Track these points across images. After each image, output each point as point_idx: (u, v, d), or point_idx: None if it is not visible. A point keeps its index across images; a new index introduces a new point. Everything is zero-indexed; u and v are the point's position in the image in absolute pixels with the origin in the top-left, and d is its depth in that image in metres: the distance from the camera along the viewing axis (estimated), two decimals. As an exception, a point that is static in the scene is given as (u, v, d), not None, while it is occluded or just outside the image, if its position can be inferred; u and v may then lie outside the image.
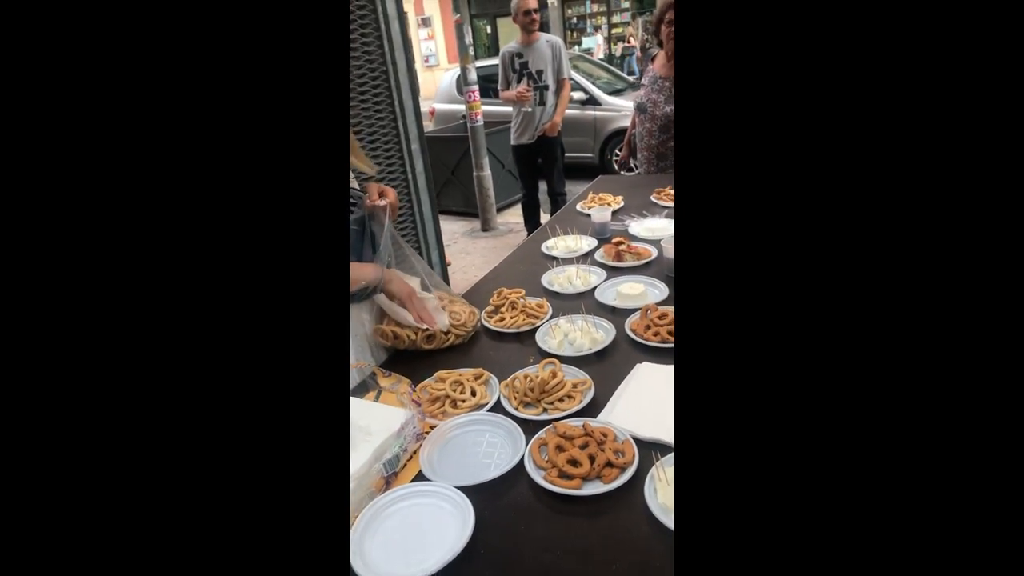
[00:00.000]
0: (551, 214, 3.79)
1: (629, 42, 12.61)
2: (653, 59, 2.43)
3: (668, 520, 0.68)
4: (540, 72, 3.51)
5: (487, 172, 4.46)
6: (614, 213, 1.72)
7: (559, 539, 0.70)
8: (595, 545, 0.68)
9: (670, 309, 1.11)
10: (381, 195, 1.15)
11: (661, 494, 0.71)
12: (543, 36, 3.53)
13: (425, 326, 1.09)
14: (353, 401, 0.93)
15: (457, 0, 5.71)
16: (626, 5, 13.46)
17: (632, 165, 2.48)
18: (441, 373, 1.02)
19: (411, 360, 1.11)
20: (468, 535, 0.69)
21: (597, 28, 13.70)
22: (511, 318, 1.19)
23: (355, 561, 0.68)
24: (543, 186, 3.75)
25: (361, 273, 1.05)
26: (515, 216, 4.54)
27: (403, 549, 0.70)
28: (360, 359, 1.08)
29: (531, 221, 3.84)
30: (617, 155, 2.90)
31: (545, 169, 3.66)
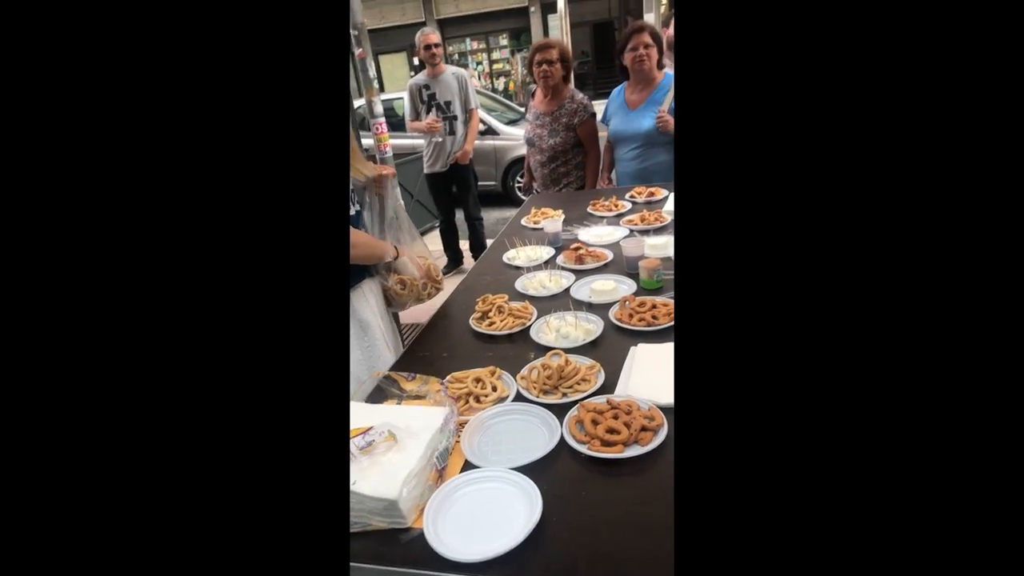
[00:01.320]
0: (469, 239, 3.89)
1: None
2: (533, 95, 2.58)
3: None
4: (448, 103, 3.62)
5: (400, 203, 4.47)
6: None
7: (617, 498, 0.77)
8: (650, 495, 0.76)
9: (646, 298, 1.23)
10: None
11: (697, 444, 0.81)
12: (449, 68, 3.65)
13: (425, 280, 1.36)
14: (381, 408, 0.94)
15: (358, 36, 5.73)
16: (504, 43, 14.14)
17: (535, 190, 2.65)
18: (456, 374, 1.05)
19: (420, 365, 1.13)
20: (540, 507, 0.73)
21: (479, 64, 14.23)
22: (501, 321, 1.25)
23: (439, 548, 0.70)
24: (459, 213, 3.84)
25: (383, 249, 1.29)
26: (432, 243, 4.58)
27: (481, 529, 0.73)
28: (375, 365, 1.13)
29: (451, 247, 3.91)
30: (519, 182, 3.08)
31: (460, 196, 3.76)
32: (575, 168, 2.53)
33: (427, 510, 0.76)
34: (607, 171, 2.51)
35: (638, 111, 2.22)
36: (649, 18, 13.92)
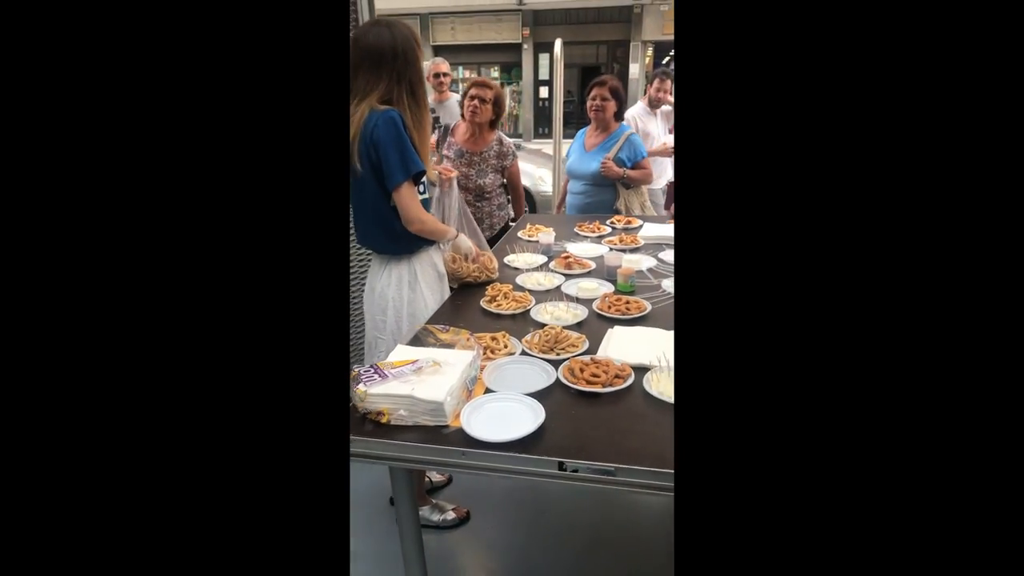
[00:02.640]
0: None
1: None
2: (453, 130, 2.63)
3: (659, 396, 1.11)
4: (448, 126, 3.98)
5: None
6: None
7: (597, 417, 1.09)
8: (620, 417, 1.09)
9: (620, 296, 1.58)
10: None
11: (653, 386, 1.14)
12: (453, 95, 4.02)
13: (476, 265, 1.76)
14: (423, 349, 1.26)
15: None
16: (495, 75, 14.70)
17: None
18: (477, 334, 1.37)
19: (451, 323, 1.45)
20: (543, 415, 1.05)
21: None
22: (507, 304, 1.58)
23: (473, 433, 1.01)
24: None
25: (445, 229, 1.66)
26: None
27: (500, 425, 1.04)
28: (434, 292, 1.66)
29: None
30: None
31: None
32: (497, 209, 2.61)
33: (463, 413, 1.06)
34: (562, 200, 2.87)
35: (591, 153, 2.64)
36: (634, 68, 14.52)
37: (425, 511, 1.89)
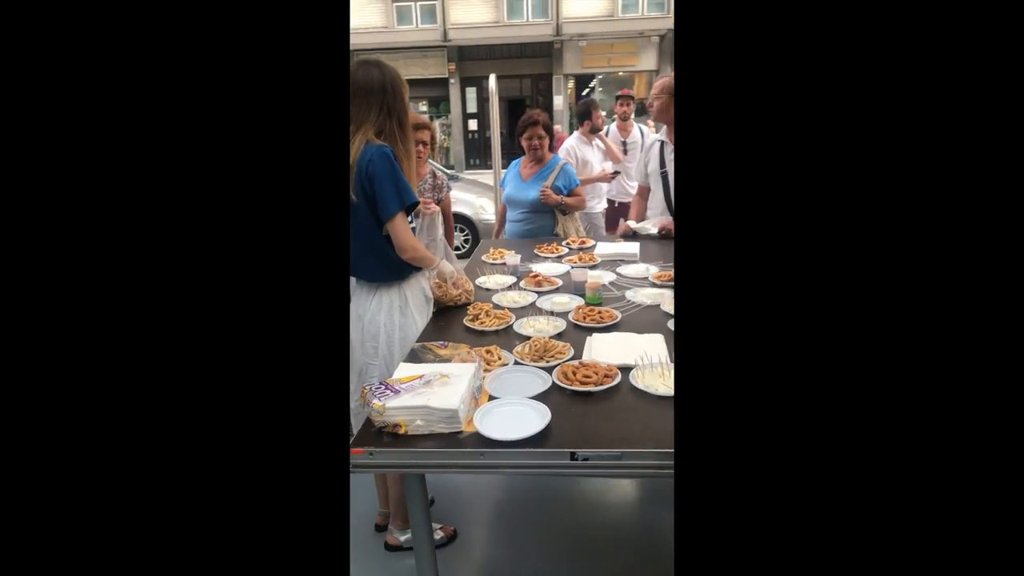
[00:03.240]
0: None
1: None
2: None
3: (645, 389, 1.25)
4: None
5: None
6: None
7: (594, 413, 1.21)
8: (615, 410, 1.22)
9: (591, 307, 1.72)
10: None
11: (639, 381, 1.28)
12: None
13: (459, 291, 1.85)
14: (425, 365, 1.34)
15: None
16: (424, 109, 14.94)
17: None
18: (467, 348, 1.47)
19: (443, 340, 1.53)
20: (549, 414, 1.16)
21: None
22: (490, 321, 1.69)
23: (488, 434, 1.10)
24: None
25: (430, 256, 1.73)
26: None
27: (512, 426, 1.14)
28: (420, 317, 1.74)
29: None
30: None
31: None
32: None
33: (476, 417, 1.16)
34: (500, 227, 3.03)
35: (528, 183, 2.84)
36: (558, 100, 15.10)
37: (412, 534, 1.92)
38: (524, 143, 2.83)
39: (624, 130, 4.04)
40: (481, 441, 1.11)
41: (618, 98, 4.15)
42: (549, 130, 2.83)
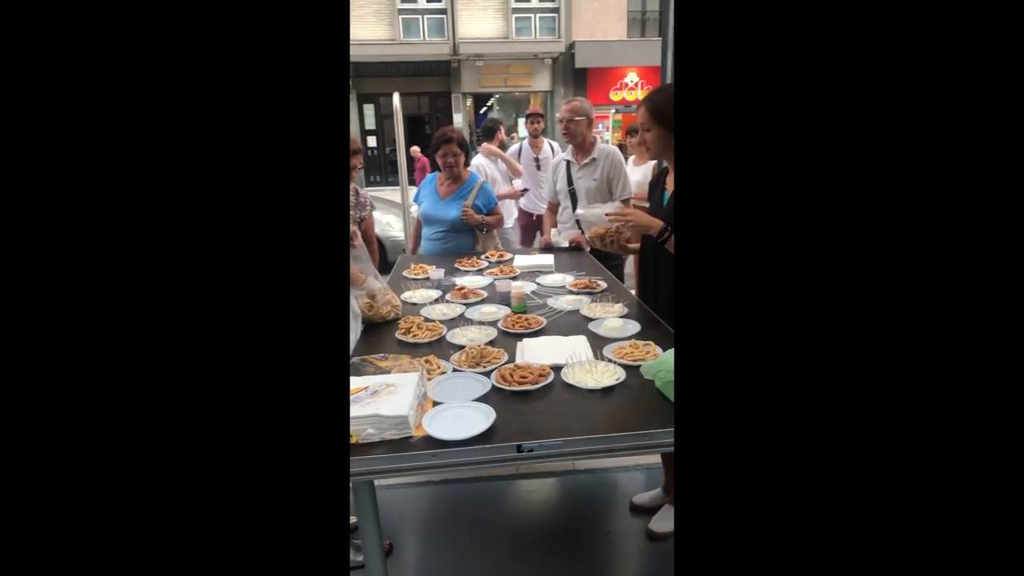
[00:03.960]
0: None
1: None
2: None
3: (577, 385, 1.38)
4: None
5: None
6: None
7: (533, 409, 1.32)
8: (551, 405, 1.33)
9: (518, 315, 1.84)
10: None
11: (571, 378, 1.41)
12: None
13: (389, 307, 1.90)
14: (368, 377, 1.38)
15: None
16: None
17: None
18: (408, 358, 1.52)
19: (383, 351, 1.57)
20: (493, 413, 1.25)
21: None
22: (422, 333, 1.75)
23: (437, 435, 1.17)
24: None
25: (355, 274, 1.83)
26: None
27: (460, 427, 1.21)
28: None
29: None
30: None
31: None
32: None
33: (425, 421, 1.22)
34: (415, 244, 3.08)
35: (447, 201, 2.88)
36: (458, 118, 15.24)
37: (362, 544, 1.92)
38: (439, 160, 2.85)
39: (536, 147, 4.25)
40: (432, 443, 1.18)
41: (528, 116, 4.34)
42: (464, 147, 2.87)
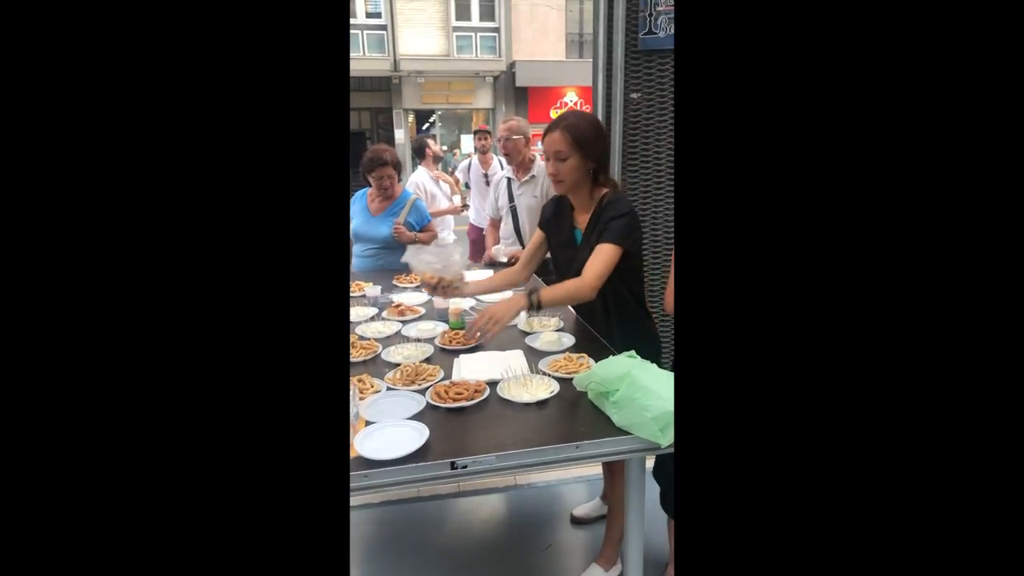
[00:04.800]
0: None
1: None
2: None
3: (512, 399, 1.39)
4: None
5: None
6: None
7: (468, 425, 1.32)
8: (485, 420, 1.33)
9: (456, 331, 1.84)
10: None
11: (506, 392, 1.42)
12: None
13: None
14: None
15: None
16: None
17: None
18: (341, 379, 1.49)
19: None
20: (427, 431, 1.23)
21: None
22: (356, 352, 1.72)
23: (367, 452, 1.15)
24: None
25: None
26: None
27: (393, 445, 1.19)
28: None
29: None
30: None
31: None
32: None
33: (356, 441, 1.19)
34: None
35: (379, 218, 2.84)
36: (399, 134, 15.15)
37: None
38: (374, 182, 2.81)
39: (485, 163, 4.29)
40: (364, 464, 1.16)
41: (476, 133, 4.38)
42: (398, 167, 2.83)
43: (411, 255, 1.83)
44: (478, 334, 1.62)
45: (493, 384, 1.48)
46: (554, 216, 1.86)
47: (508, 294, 2.05)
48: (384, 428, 1.28)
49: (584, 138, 1.61)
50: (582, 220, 1.75)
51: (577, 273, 1.64)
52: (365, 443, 1.21)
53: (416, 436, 1.23)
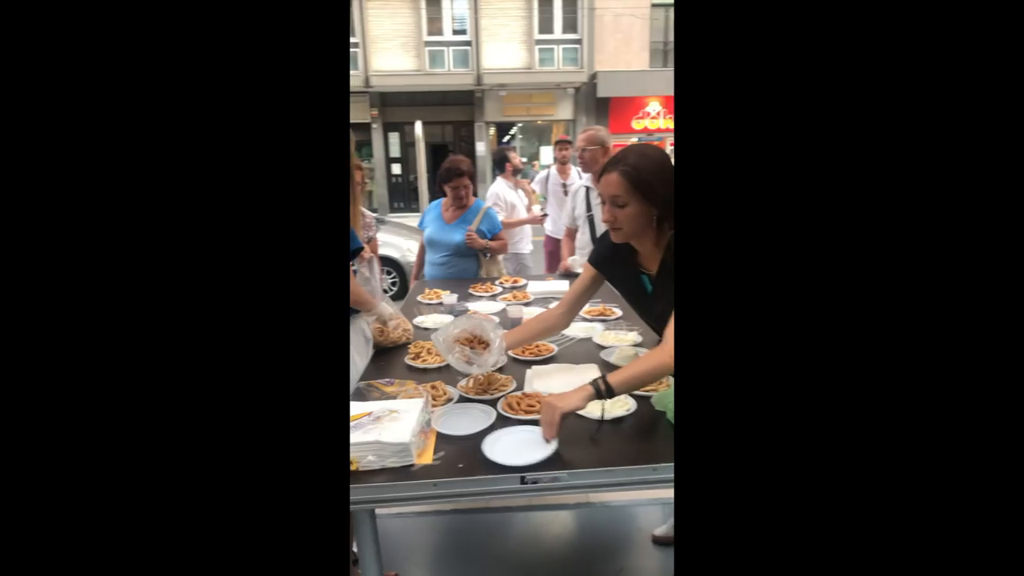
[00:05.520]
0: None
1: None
2: None
3: (585, 414, 1.33)
4: None
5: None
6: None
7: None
8: (560, 436, 1.29)
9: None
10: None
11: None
12: None
13: (400, 332, 1.90)
14: (372, 402, 1.36)
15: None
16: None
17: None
18: (414, 384, 1.50)
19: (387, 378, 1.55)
20: (554, 446, 1.19)
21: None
22: (431, 358, 1.73)
23: (493, 455, 1.15)
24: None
25: (368, 298, 1.80)
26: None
27: (521, 451, 1.18)
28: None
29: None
30: None
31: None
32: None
33: (486, 445, 1.19)
34: (419, 268, 3.09)
35: (452, 226, 2.90)
36: (480, 146, 15.53)
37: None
38: (450, 192, 2.88)
39: (564, 173, 4.28)
40: (489, 467, 1.15)
41: (557, 143, 4.39)
42: (473, 178, 2.90)
43: (439, 334, 1.52)
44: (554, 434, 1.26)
45: (566, 398, 1.43)
46: (613, 256, 1.50)
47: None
48: (516, 432, 1.26)
49: (646, 183, 1.28)
50: (650, 264, 1.43)
51: (656, 323, 1.43)
52: (495, 447, 1.20)
53: (545, 445, 1.20)
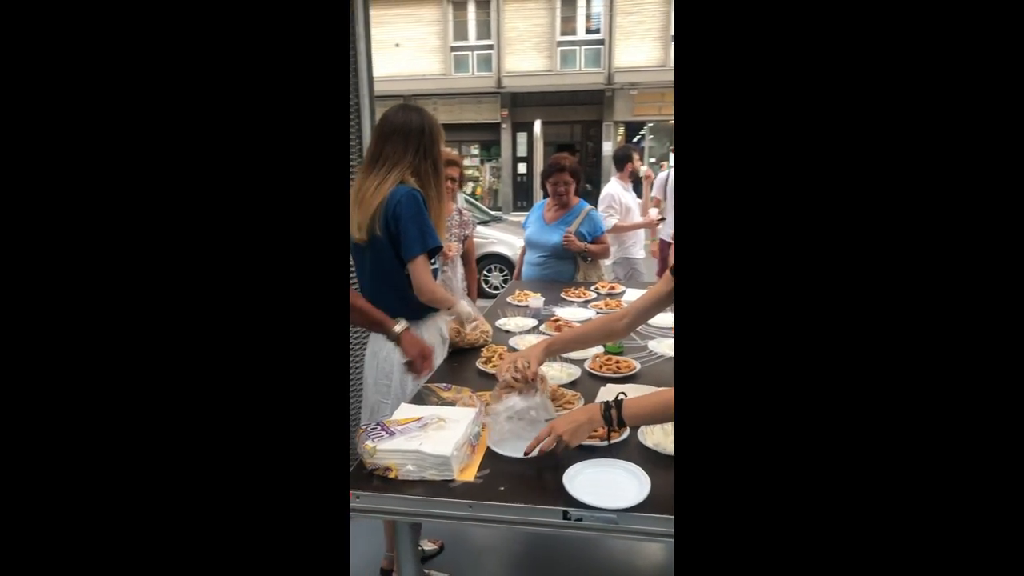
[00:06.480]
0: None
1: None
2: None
3: (654, 448, 1.17)
4: None
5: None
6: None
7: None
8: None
9: (610, 356, 1.66)
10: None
11: (648, 439, 1.21)
12: None
13: (478, 333, 1.84)
14: (427, 407, 1.31)
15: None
16: (475, 152, 15.37)
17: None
18: (477, 393, 1.43)
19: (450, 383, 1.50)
20: (649, 486, 1.04)
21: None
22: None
23: (574, 490, 1.04)
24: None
25: (448, 297, 1.74)
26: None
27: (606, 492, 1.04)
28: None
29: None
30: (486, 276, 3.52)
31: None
32: (453, 275, 2.50)
33: (567, 479, 1.07)
34: (519, 270, 2.99)
35: (552, 226, 2.77)
36: (607, 146, 15.28)
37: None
38: (550, 188, 2.78)
39: None
40: (568, 501, 1.04)
41: None
42: (576, 175, 2.77)
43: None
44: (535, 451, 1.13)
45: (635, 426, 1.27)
46: None
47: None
48: (600, 468, 1.12)
49: None
50: None
51: None
52: (574, 483, 1.06)
53: (636, 486, 1.06)
